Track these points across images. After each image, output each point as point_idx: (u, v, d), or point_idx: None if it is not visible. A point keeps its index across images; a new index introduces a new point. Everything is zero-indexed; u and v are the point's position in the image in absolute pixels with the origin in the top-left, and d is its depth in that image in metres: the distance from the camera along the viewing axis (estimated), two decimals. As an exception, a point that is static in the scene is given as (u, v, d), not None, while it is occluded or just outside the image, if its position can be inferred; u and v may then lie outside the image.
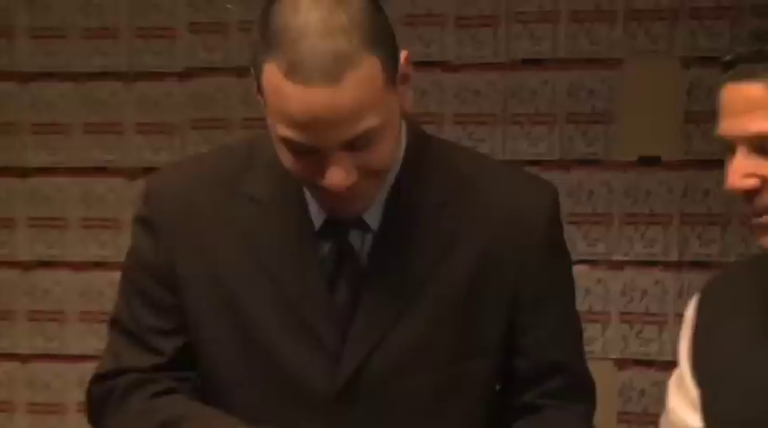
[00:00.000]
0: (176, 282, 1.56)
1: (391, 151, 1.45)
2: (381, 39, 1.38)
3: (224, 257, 1.54)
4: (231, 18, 3.21)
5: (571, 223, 3.12)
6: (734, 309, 1.55)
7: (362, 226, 1.51)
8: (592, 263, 3.16)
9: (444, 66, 3.22)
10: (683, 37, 3.12)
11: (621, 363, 3.15)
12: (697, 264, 3.11)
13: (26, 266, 3.41)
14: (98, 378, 1.60)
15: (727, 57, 1.42)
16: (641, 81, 3.14)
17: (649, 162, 3.12)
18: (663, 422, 1.64)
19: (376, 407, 1.52)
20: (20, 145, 3.41)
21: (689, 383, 1.59)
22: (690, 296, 3.10)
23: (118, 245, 3.16)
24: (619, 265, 3.16)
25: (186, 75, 3.25)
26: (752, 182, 1.39)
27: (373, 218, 1.51)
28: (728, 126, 1.42)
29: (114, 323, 1.60)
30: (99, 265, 3.29)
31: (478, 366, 1.55)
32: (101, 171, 3.34)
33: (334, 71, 1.32)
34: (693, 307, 1.61)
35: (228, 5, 3.26)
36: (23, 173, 3.41)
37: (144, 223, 1.58)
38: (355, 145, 1.37)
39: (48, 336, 3.39)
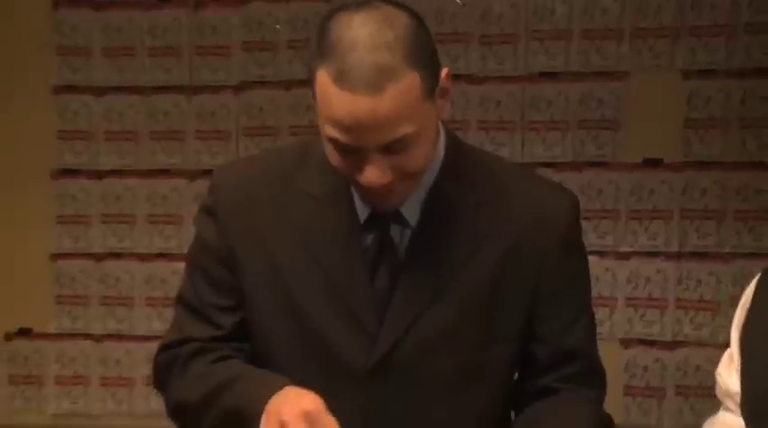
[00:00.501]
0: (235, 266, 1.57)
1: (425, 156, 1.45)
2: (423, 55, 1.39)
3: (280, 247, 1.55)
4: (280, 38, 3.26)
5: (583, 218, 3.07)
6: None
7: (402, 221, 1.52)
8: (601, 253, 3.19)
9: (469, 78, 3.25)
10: (683, 52, 3.15)
11: (627, 342, 3.20)
12: (695, 255, 3.16)
13: (99, 257, 3.48)
14: (163, 348, 1.63)
15: None
16: (646, 91, 3.17)
17: (652, 163, 3.17)
18: (717, 387, 1.65)
19: (407, 383, 1.53)
20: (95, 150, 3.48)
21: (735, 352, 1.58)
22: (689, 282, 3.19)
23: (180, 238, 3.29)
24: (625, 256, 3.20)
25: (240, 88, 3.30)
26: None
27: (412, 214, 1.52)
28: None
29: (180, 300, 1.63)
30: (163, 256, 3.35)
31: (501, 351, 1.56)
32: (164, 173, 3.41)
33: (376, 82, 1.34)
34: (753, 285, 1.59)
35: (277, 26, 3.29)
36: (98, 175, 3.48)
37: (208, 211, 1.60)
38: (392, 148, 1.39)
39: (118, 319, 3.44)
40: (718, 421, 1.59)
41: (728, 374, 1.57)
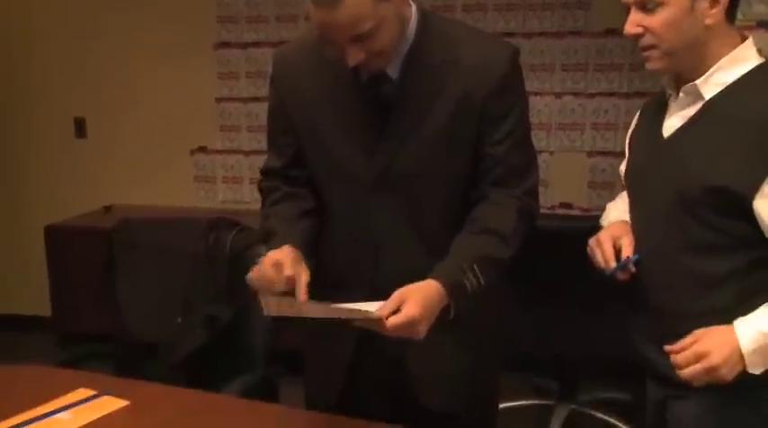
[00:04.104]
0: (289, 116, 1.65)
1: (390, 38, 1.48)
2: None
3: (315, 101, 1.62)
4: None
5: (562, 70, 3.28)
6: (647, 112, 1.60)
7: (387, 78, 1.56)
8: (575, 93, 3.31)
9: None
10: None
11: (590, 154, 3.39)
12: (638, 94, 3.23)
13: (245, 100, 3.79)
14: (262, 172, 1.74)
15: None
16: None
17: (612, 32, 3.27)
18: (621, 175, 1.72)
19: (398, 190, 1.60)
20: (239, 85, 3.76)
21: (627, 151, 1.67)
22: (631, 115, 3.17)
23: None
24: (591, 95, 3.34)
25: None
26: (638, 31, 1.42)
27: (394, 72, 1.56)
28: None
29: (267, 138, 1.76)
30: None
31: (460, 164, 1.59)
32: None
33: (333, 1, 1.40)
34: (637, 115, 1.68)
35: None
36: (244, 100, 3.77)
37: (271, 79, 1.70)
38: (359, 38, 1.43)
39: (258, 140, 3.65)
40: (620, 195, 1.77)
41: (624, 167, 1.75)
